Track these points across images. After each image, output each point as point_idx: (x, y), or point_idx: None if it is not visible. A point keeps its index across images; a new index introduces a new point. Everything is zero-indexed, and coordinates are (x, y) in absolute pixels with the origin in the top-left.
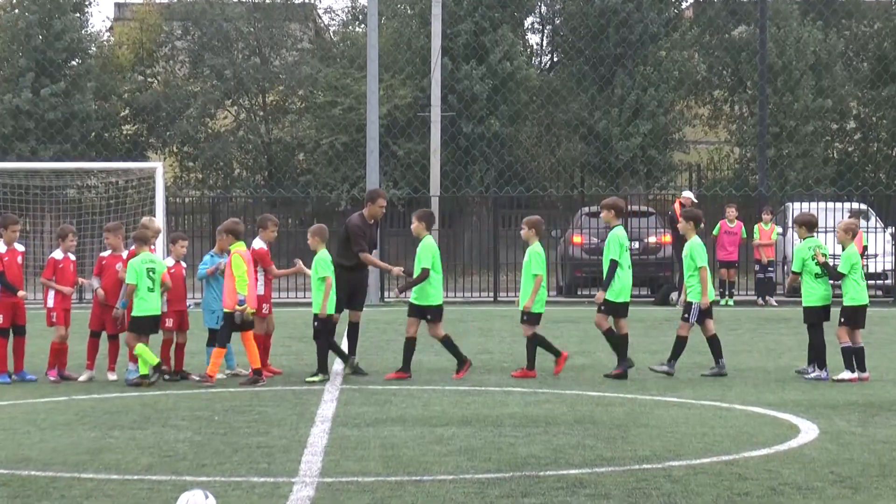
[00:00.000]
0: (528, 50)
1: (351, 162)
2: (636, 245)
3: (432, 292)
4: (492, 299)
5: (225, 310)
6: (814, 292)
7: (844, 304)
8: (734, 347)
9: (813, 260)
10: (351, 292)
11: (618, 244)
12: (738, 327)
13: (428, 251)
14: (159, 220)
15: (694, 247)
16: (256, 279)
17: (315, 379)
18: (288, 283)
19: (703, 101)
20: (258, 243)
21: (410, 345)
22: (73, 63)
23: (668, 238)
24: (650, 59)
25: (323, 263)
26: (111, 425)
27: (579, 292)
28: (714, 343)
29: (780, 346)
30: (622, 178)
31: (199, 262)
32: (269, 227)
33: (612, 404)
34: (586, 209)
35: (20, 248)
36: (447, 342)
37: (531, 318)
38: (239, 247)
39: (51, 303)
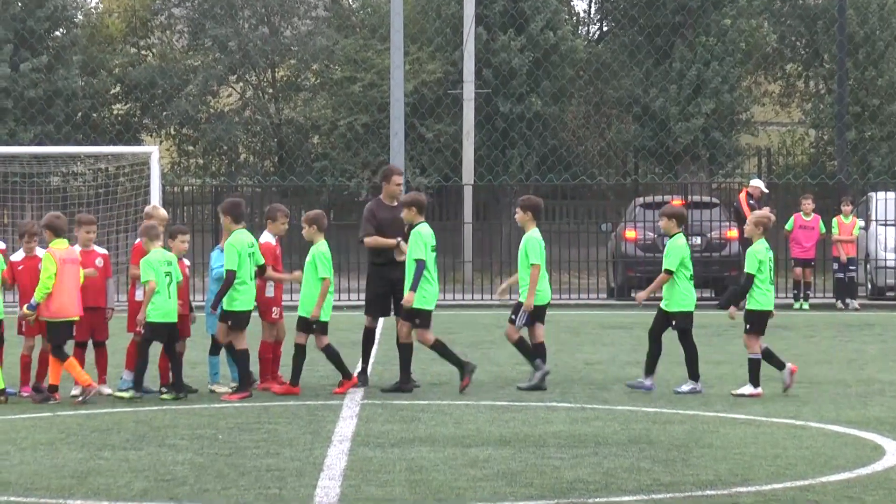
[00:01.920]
0: (574, 18)
1: (372, 146)
2: (697, 241)
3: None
4: None
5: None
6: (688, 294)
7: (749, 307)
8: (810, 357)
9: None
10: (384, 293)
11: (422, 242)
12: (814, 334)
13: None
14: None
15: (529, 241)
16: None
17: (125, 395)
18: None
19: (773, 76)
20: (266, 237)
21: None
22: (57, 34)
23: (734, 233)
24: (713, 29)
25: (146, 266)
26: (100, 445)
27: (633, 294)
28: (540, 350)
29: (863, 355)
30: (681, 165)
31: (209, 260)
32: (278, 219)
33: (671, 422)
34: (641, 200)
35: None
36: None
37: (319, 327)
38: (58, 245)
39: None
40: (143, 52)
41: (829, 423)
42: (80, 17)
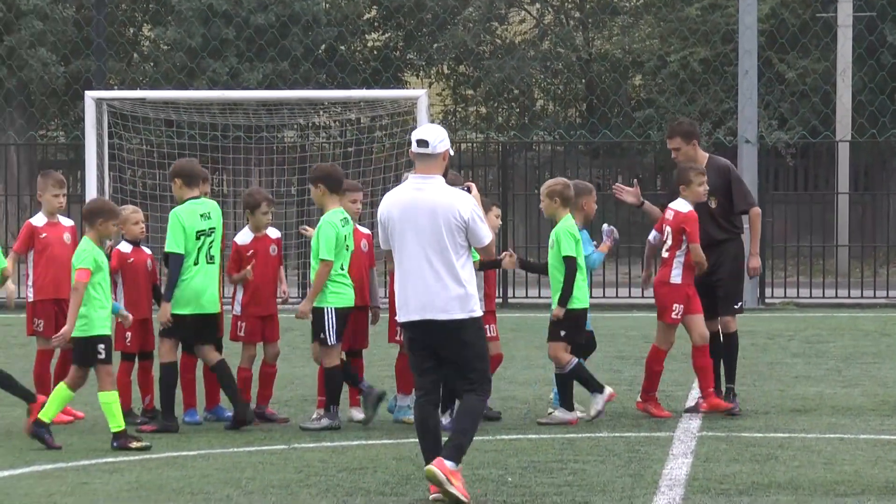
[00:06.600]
0: None
1: (714, 89)
2: None
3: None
4: None
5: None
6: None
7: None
8: None
9: None
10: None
11: (178, 230)
12: None
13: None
14: None
15: (322, 226)
16: None
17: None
18: (618, 278)
19: None
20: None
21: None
22: None
23: None
24: None
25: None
26: (350, 489)
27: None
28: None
29: None
30: None
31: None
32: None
33: None
34: None
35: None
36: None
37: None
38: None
39: (237, 308)
40: None
41: None
42: None
